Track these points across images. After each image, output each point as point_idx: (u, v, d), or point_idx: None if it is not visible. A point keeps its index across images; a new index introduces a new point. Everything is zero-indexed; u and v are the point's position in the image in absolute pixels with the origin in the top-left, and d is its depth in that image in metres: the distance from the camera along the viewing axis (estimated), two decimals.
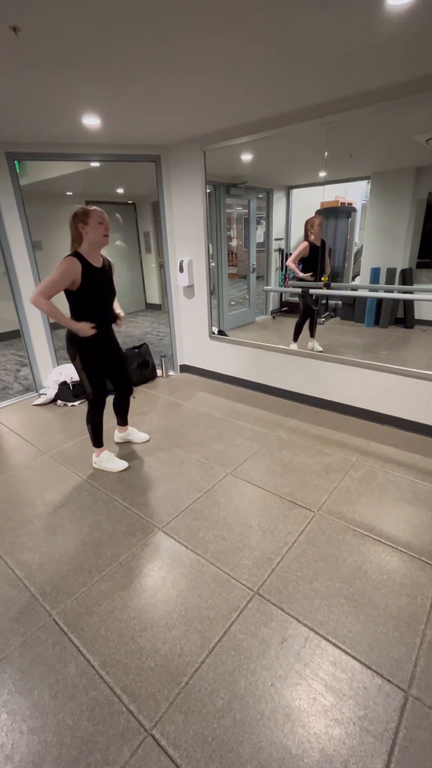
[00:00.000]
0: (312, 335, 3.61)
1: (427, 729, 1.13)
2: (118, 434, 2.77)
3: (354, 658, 1.32)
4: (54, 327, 3.95)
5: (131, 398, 2.67)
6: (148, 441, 2.78)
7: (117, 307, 2.39)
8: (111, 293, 2.27)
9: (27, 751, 1.12)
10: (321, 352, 3.29)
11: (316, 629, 1.42)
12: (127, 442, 2.77)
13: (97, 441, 2.44)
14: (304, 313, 3.62)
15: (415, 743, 1.10)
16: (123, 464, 2.45)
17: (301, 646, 1.37)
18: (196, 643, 1.39)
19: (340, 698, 1.21)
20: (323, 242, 3.51)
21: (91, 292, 2.11)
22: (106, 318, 2.25)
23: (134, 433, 2.78)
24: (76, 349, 2.18)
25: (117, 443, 2.76)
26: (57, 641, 1.42)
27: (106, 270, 2.22)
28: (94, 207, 2.06)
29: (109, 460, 2.46)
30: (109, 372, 2.43)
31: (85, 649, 1.38)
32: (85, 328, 2.11)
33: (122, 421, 2.72)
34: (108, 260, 2.26)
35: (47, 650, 1.39)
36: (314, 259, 3.50)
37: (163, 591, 1.60)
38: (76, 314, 2.13)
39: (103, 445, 2.48)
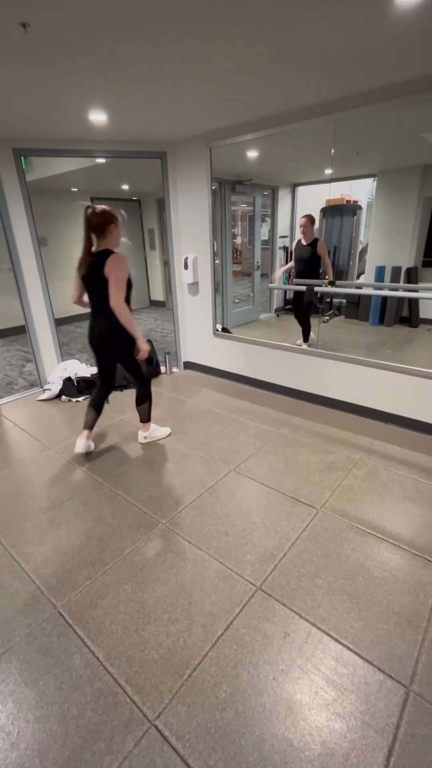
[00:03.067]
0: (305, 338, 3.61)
1: (428, 724, 1.14)
2: (84, 443, 2.55)
3: (356, 653, 1.33)
4: (59, 323, 3.97)
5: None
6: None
7: None
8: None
9: (32, 739, 1.14)
10: (300, 345, 3.34)
11: (318, 625, 1.43)
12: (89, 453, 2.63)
13: (150, 415, 2.68)
14: (299, 309, 3.64)
15: (416, 738, 1.11)
16: (168, 429, 2.81)
17: (303, 641, 1.38)
18: (199, 637, 1.40)
19: (341, 693, 1.22)
20: (316, 240, 3.49)
21: (129, 285, 2.23)
22: None
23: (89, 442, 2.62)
24: (129, 340, 2.30)
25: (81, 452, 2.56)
26: (62, 633, 1.44)
27: None
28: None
29: (158, 429, 2.76)
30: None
31: (89, 641, 1.40)
32: (146, 349, 2.32)
33: (92, 424, 2.60)
34: None
35: (52, 641, 1.41)
36: (306, 259, 3.50)
37: (166, 585, 1.61)
38: None
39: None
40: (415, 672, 1.27)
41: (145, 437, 2.72)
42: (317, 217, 4.07)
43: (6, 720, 1.19)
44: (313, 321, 3.57)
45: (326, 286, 3.33)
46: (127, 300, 2.24)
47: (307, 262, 3.54)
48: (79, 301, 2.35)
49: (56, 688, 1.26)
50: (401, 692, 1.22)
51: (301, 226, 3.54)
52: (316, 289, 3.34)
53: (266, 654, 1.34)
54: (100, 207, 2.11)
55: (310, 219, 3.51)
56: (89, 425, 2.56)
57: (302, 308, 3.63)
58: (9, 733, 1.15)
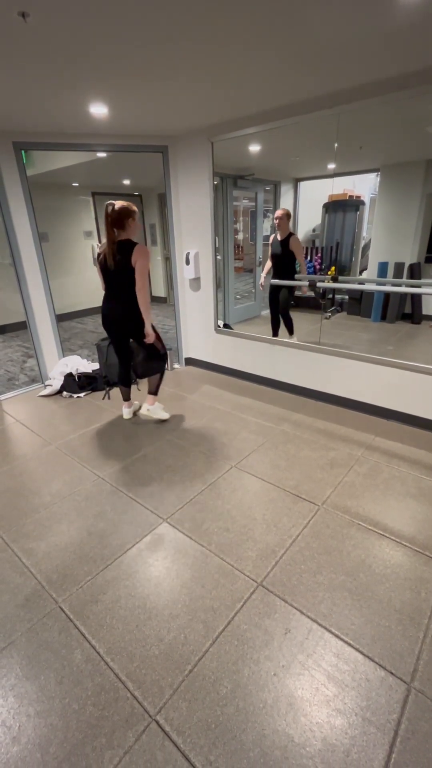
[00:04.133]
0: (290, 332, 3.57)
1: (429, 721, 1.14)
2: (127, 410, 3.03)
3: (357, 650, 1.33)
4: (60, 319, 3.96)
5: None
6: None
7: None
8: None
9: (34, 734, 1.14)
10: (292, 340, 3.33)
11: (319, 621, 1.43)
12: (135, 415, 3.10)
13: (158, 390, 2.87)
14: (275, 305, 3.61)
15: (417, 735, 1.11)
16: (168, 414, 2.91)
17: (304, 637, 1.38)
18: (200, 633, 1.40)
19: (342, 689, 1.22)
20: (290, 235, 3.44)
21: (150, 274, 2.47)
22: None
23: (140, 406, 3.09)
24: (142, 322, 2.55)
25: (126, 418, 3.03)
26: (63, 628, 1.44)
27: None
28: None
29: (161, 410, 2.89)
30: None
31: (90, 636, 1.40)
32: (152, 334, 2.60)
33: (128, 395, 3.07)
34: None
35: (53, 636, 1.41)
36: (279, 255, 3.46)
37: (167, 581, 1.61)
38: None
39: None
40: (416, 669, 1.27)
41: (148, 410, 2.87)
42: (320, 212, 4.04)
43: (7, 714, 1.19)
44: (315, 317, 3.55)
45: (328, 282, 3.31)
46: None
47: (281, 259, 3.50)
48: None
49: (57, 683, 1.27)
50: (402, 689, 1.22)
51: (276, 219, 3.49)
52: (319, 284, 3.31)
53: (267, 650, 1.34)
54: (119, 203, 2.34)
55: (285, 213, 3.46)
56: (126, 398, 3.01)
57: (278, 306, 3.60)
58: (10, 727, 1.16)
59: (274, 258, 3.57)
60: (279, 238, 3.47)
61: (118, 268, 2.42)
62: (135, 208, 2.40)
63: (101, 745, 1.11)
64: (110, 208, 2.33)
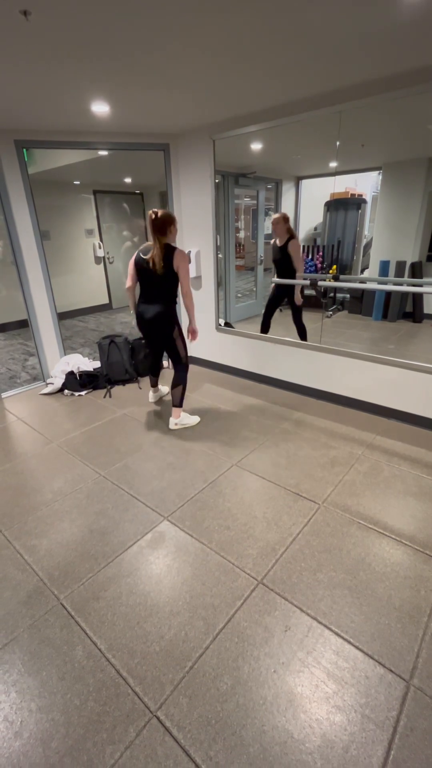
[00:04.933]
0: (302, 336, 3.50)
1: (428, 718, 1.15)
2: (154, 395, 3.25)
3: (356, 647, 1.34)
4: (61, 317, 3.97)
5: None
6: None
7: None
8: None
9: (36, 728, 1.15)
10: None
11: (319, 619, 1.44)
12: (160, 400, 3.32)
13: (182, 402, 2.86)
14: (272, 306, 3.58)
15: (416, 732, 1.12)
16: (197, 418, 2.94)
17: (304, 634, 1.39)
18: (201, 630, 1.41)
19: (342, 686, 1.23)
20: (290, 239, 3.38)
21: None
22: None
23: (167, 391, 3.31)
24: (176, 323, 2.71)
25: (153, 402, 3.27)
26: (64, 624, 1.45)
27: None
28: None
29: (189, 417, 2.90)
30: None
31: (92, 633, 1.41)
32: (197, 330, 2.79)
33: (156, 383, 3.26)
34: None
35: (55, 633, 1.42)
36: (279, 260, 3.42)
37: (168, 578, 1.62)
38: (174, 296, 2.65)
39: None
40: (415, 666, 1.28)
41: (176, 423, 2.83)
42: (321, 211, 4.03)
43: (9, 710, 1.20)
44: (317, 316, 3.55)
45: (329, 281, 3.30)
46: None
47: (282, 264, 3.44)
48: (132, 289, 2.70)
49: (59, 679, 1.28)
50: (401, 686, 1.23)
51: (272, 224, 3.43)
52: (320, 283, 3.31)
53: (267, 647, 1.35)
54: (161, 211, 2.46)
55: (282, 217, 3.38)
56: (154, 384, 3.23)
57: (274, 308, 3.58)
58: (12, 722, 1.17)
59: (275, 263, 3.53)
60: (278, 243, 3.41)
61: (161, 272, 2.54)
62: (174, 215, 2.55)
63: (102, 740, 1.12)
64: (154, 215, 2.45)
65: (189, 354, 4.12)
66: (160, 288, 2.59)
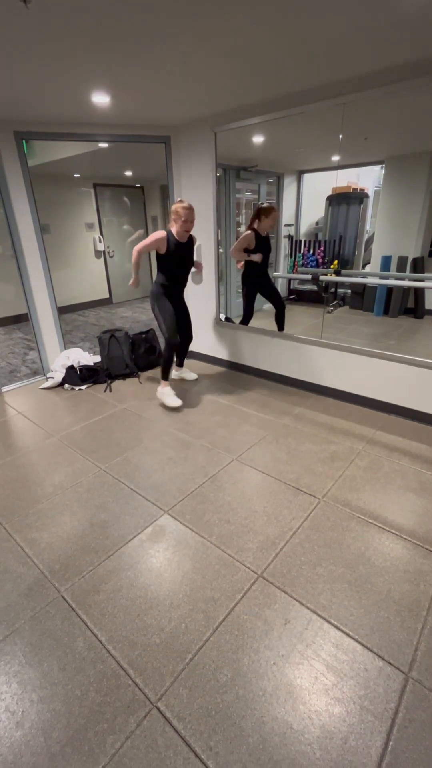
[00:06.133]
0: (279, 328, 3.45)
1: (426, 710, 1.15)
2: (175, 372, 3.52)
3: (355, 640, 1.35)
4: (62, 311, 3.96)
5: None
6: (197, 379, 3.53)
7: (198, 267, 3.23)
8: (189, 263, 3.05)
9: (37, 719, 1.16)
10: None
11: (318, 612, 1.45)
12: (181, 379, 3.55)
13: (166, 375, 3.08)
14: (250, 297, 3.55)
15: (414, 723, 1.13)
16: (178, 402, 2.99)
17: (303, 627, 1.39)
18: (201, 622, 1.42)
19: (341, 678, 1.24)
20: (268, 235, 3.30)
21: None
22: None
23: (186, 373, 3.55)
24: (152, 299, 3.00)
25: (173, 379, 3.47)
26: (65, 617, 1.46)
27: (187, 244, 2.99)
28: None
29: (169, 395, 3.02)
30: (178, 322, 3.11)
31: (92, 625, 1.42)
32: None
33: (180, 362, 3.53)
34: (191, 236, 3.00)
35: (56, 625, 1.43)
36: (261, 250, 3.33)
37: (168, 572, 1.63)
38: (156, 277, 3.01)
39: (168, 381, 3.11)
40: (414, 659, 1.29)
41: (158, 393, 3.11)
42: (323, 205, 4.01)
43: (11, 700, 1.21)
44: (317, 311, 3.54)
45: (331, 275, 3.29)
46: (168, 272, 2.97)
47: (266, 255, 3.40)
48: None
49: (60, 670, 1.29)
50: (400, 678, 1.23)
51: (272, 218, 3.23)
52: (321, 278, 3.29)
53: (267, 640, 1.36)
54: (187, 202, 2.75)
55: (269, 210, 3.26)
56: (179, 363, 3.54)
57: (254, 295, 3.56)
58: (14, 712, 1.18)
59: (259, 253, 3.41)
60: (264, 234, 3.28)
61: (189, 259, 2.96)
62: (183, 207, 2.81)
63: (103, 730, 1.13)
64: (187, 204, 2.75)
65: (190, 348, 4.12)
66: (187, 270, 3.04)
